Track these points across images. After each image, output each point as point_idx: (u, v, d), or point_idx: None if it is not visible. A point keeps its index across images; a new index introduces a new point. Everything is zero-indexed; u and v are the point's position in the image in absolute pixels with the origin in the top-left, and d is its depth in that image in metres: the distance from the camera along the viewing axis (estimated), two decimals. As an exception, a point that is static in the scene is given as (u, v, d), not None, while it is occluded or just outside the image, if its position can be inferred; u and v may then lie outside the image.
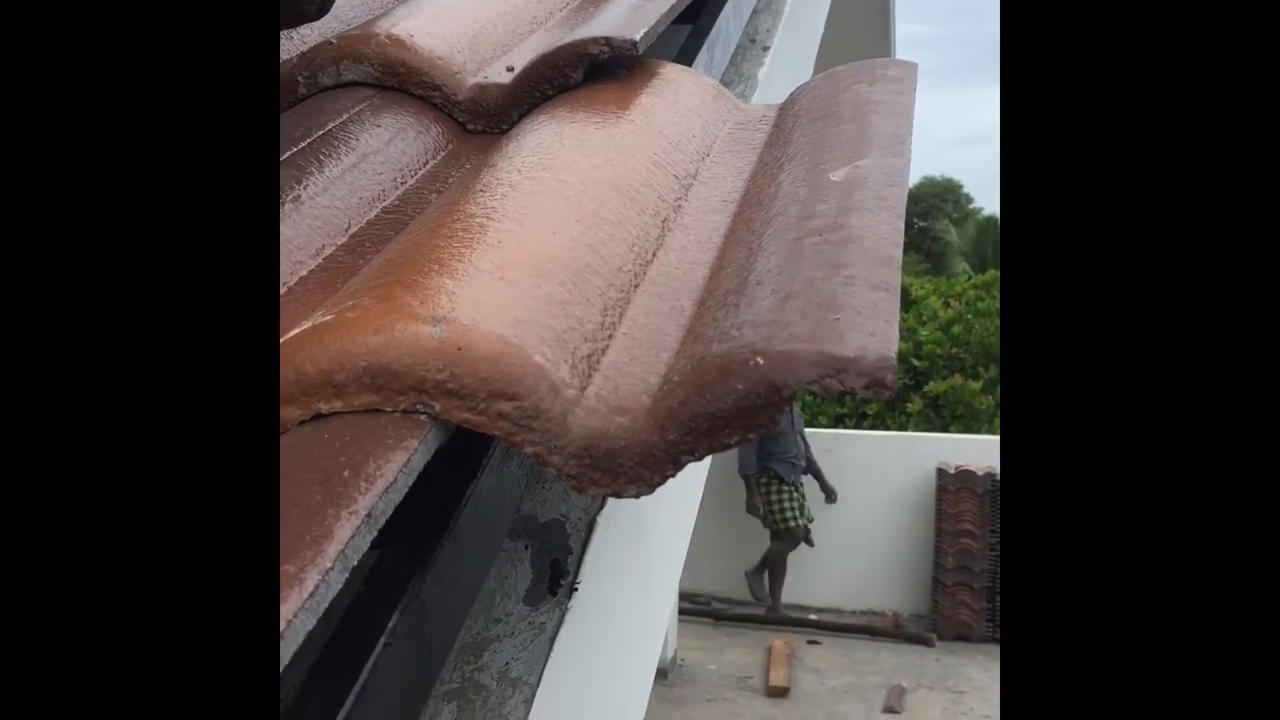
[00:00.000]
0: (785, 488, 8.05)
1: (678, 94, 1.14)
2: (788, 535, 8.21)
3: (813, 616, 8.93)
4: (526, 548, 0.98)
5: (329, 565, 0.55)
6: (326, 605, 0.55)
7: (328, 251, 0.90)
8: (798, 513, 8.10)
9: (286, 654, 0.52)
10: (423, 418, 0.67)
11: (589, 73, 1.14)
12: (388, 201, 0.99)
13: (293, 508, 0.58)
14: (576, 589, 0.94)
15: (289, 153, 1.00)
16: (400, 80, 1.16)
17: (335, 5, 1.43)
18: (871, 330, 0.66)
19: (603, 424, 0.68)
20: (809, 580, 9.21)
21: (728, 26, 1.63)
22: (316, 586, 0.54)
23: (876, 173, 0.88)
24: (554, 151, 0.96)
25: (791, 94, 1.19)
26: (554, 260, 0.79)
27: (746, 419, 0.66)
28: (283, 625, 0.52)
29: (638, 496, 0.69)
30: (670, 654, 7.94)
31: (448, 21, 1.26)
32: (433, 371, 0.67)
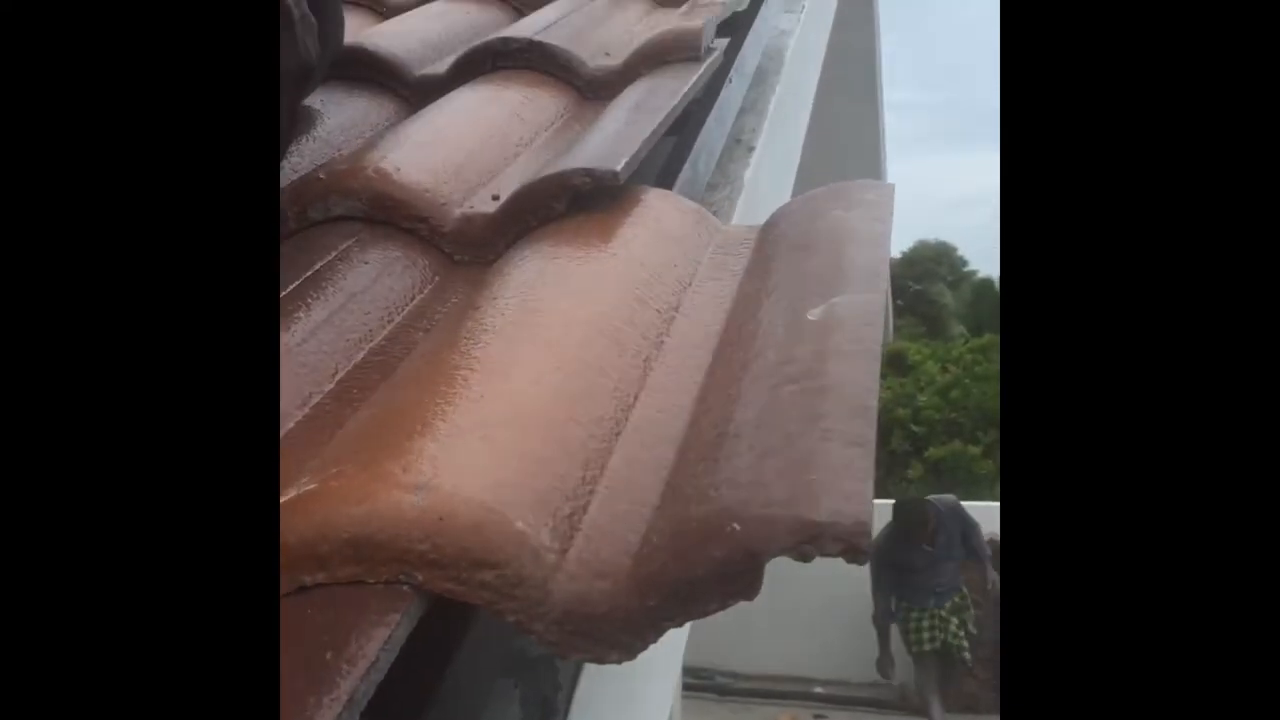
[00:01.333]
0: (916, 613, 7.29)
1: (659, 222, 1.16)
2: (926, 660, 7.38)
3: (818, 689, 8.83)
4: (515, 686, 0.97)
5: (310, 757, 0.56)
6: (308, 799, 0.56)
7: (315, 400, 0.91)
8: (936, 632, 7.25)
9: None
10: (405, 588, 0.68)
11: (573, 201, 1.17)
12: (375, 342, 1.01)
13: (275, 692, 0.59)
14: (566, 727, 0.93)
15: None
16: (388, 214, 1.18)
17: (325, 129, 1.47)
18: (846, 493, 0.67)
19: (584, 589, 0.69)
20: (815, 652, 9.11)
21: (711, 137, 1.66)
22: (297, 782, 0.55)
23: (852, 311, 0.89)
24: (537, 292, 0.98)
25: (771, 217, 1.21)
26: (535, 415, 0.80)
27: (726, 585, 0.66)
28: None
29: (619, 662, 0.69)
30: (676, 732, 7.83)
31: (434, 151, 1.29)
32: (415, 542, 0.68)
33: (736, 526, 0.66)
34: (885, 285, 0.95)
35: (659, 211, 1.18)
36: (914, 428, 11.89)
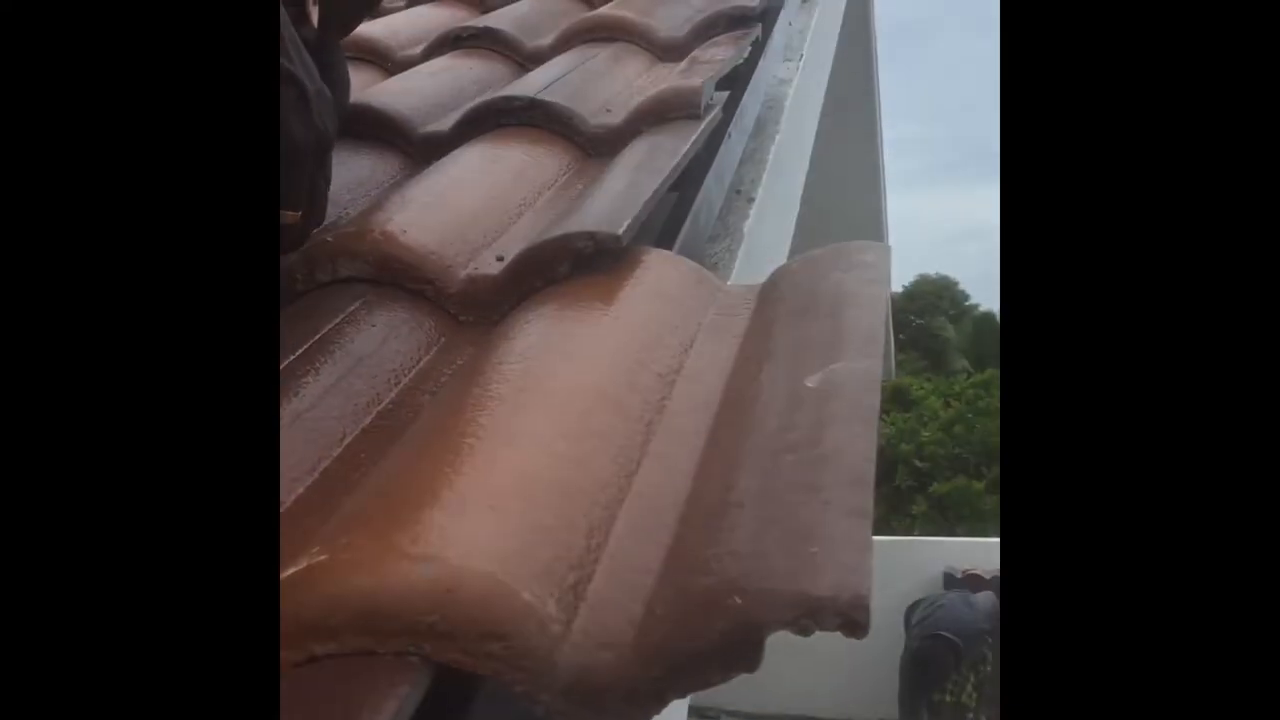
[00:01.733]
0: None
1: (661, 284, 1.18)
2: (940, 709, 6.95)
3: (825, 729, 8.77)
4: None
5: (323, 835, 0.57)
6: None
7: (324, 465, 0.93)
8: (955, 685, 6.88)
9: None
10: (414, 659, 0.69)
11: (576, 264, 1.19)
12: (382, 406, 1.03)
13: (288, 769, 0.60)
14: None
15: (287, 360, 1.03)
16: (394, 276, 1.20)
17: (332, 189, 1.49)
18: (847, 565, 0.68)
19: (589, 660, 0.71)
20: (820, 689, 9.05)
21: (711, 192, 1.69)
22: None
23: (851, 379, 0.91)
24: (541, 358, 1.00)
25: (771, 277, 1.24)
26: (541, 483, 0.82)
27: (728, 657, 0.68)
28: None
29: (624, 733, 0.70)
30: (680, 773, 7.77)
31: (438, 212, 1.32)
32: (424, 614, 0.69)
33: (738, 599, 0.68)
34: (882, 350, 0.97)
35: (660, 273, 1.21)
36: (917, 464, 11.86)
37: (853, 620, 0.65)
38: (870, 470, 0.79)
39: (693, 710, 7.41)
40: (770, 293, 1.19)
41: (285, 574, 0.75)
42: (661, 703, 0.70)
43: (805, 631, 0.66)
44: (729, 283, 1.52)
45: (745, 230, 1.91)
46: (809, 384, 0.91)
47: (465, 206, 1.36)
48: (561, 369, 0.98)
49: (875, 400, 0.89)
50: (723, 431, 0.94)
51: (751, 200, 2.04)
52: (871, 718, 9.12)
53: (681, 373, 1.06)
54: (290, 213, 1.13)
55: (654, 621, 0.72)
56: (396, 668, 0.69)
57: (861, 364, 0.94)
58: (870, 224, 7.23)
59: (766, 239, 2.08)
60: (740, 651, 0.67)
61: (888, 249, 1.19)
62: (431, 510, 0.77)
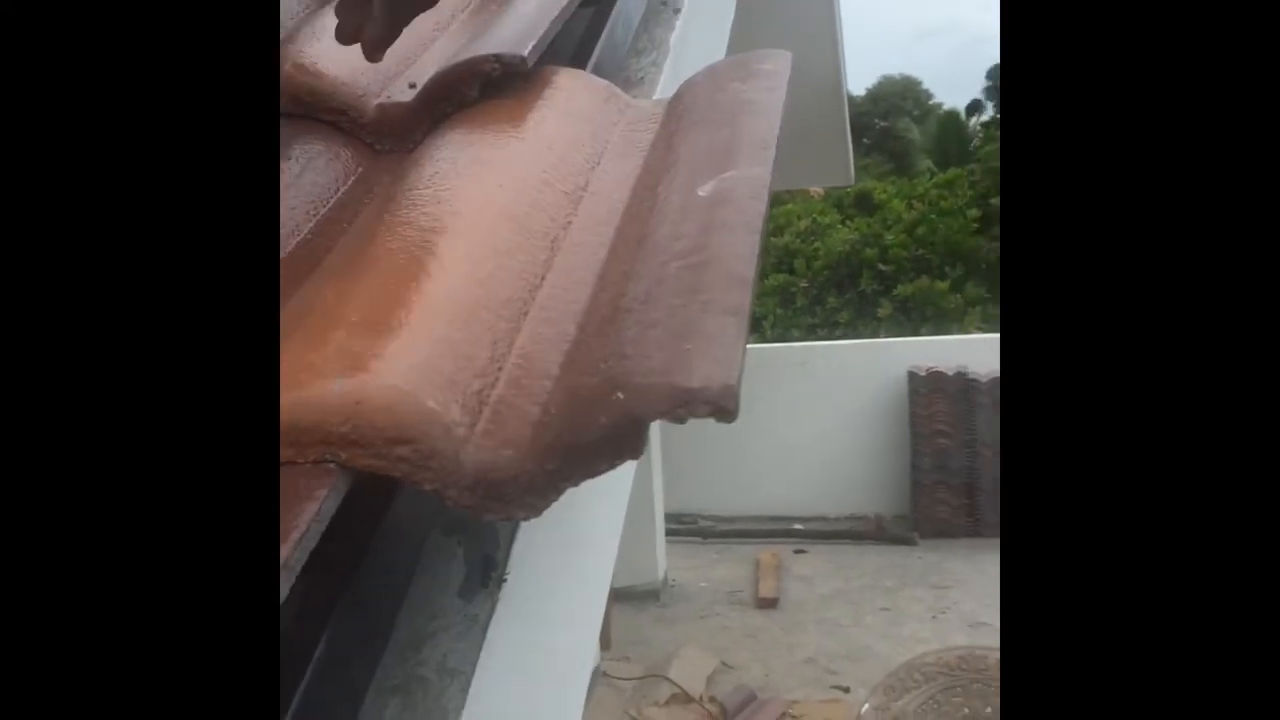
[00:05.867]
0: None
1: (569, 102, 1.21)
2: None
3: (798, 526, 9.16)
4: (459, 545, 1.07)
5: (251, 617, 0.65)
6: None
7: (246, 297, 0.98)
8: None
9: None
10: (331, 466, 0.76)
11: (485, 87, 1.21)
12: (301, 236, 1.07)
13: (219, 565, 0.67)
14: (505, 580, 1.03)
15: (205, 199, 1.07)
16: (308, 108, 1.23)
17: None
18: (718, 358, 0.74)
19: (491, 458, 0.78)
20: (793, 491, 9.41)
21: (629, 5, 1.69)
22: (240, 639, 0.63)
23: (741, 185, 0.96)
24: (448, 182, 1.04)
25: (678, 90, 1.26)
26: (445, 301, 0.87)
27: (614, 447, 0.75)
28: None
29: (527, 519, 0.78)
30: (661, 575, 8.15)
31: (350, 42, 1.32)
32: (336, 425, 0.76)
33: (620, 395, 0.74)
34: (773, 155, 1.01)
35: (569, 92, 1.23)
36: (882, 267, 12.02)
37: (722, 408, 0.71)
38: (750, 272, 0.85)
39: (670, 516, 7.69)
40: (675, 106, 1.22)
41: (208, 398, 0.80)
42: (557, 491, 0.77)
43: (681, 420, 0.72)
44: (654, 97, 1.54)
45: (671, 43, 1.91)
46: (701, 193, 0.96)
47: (376, 35, 1.36)
48: (468, 193, 1.02)
49: (762, 206, 0.93)
50: (621, 244, 0.99)
51: (678, 11, 2.03)
52: (842, 514, 9.52)
53: (588, 189, 1.10)
54: None
55: (549, 420, 0.79)
56: (316, 474, 0.76)
57: (752, 171, 0.98)
58: (822, 27, 7.09)
59: (695, 52, 2.07)
60: (624, 441, 0.74)
61: (788, 57, 1.22)
62: (339, 330, 0.83)
